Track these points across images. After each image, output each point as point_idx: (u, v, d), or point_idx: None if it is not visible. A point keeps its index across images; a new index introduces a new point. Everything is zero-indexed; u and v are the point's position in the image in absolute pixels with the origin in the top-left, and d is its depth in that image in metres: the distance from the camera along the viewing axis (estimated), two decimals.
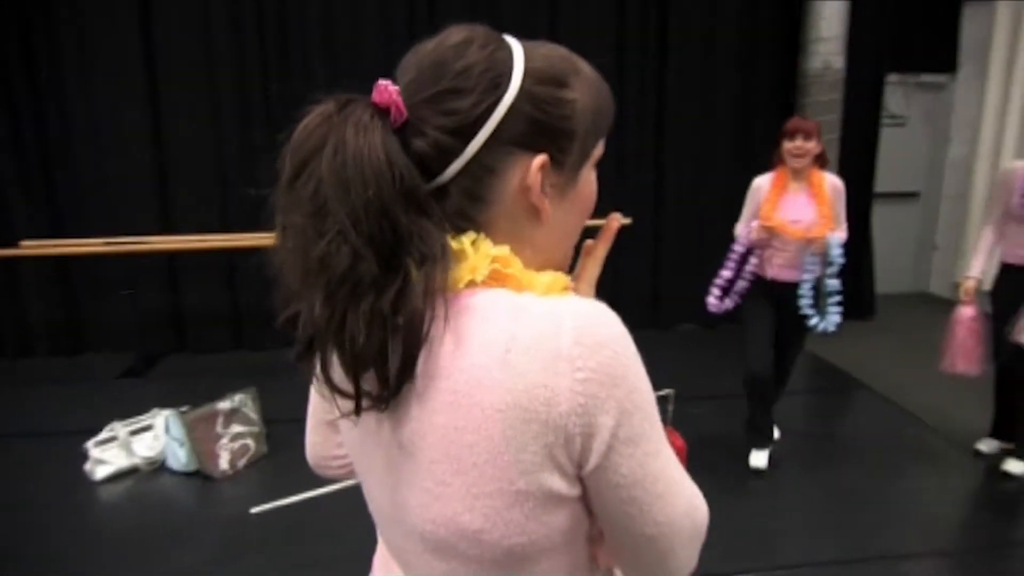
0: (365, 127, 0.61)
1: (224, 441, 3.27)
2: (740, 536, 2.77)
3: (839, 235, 3.00)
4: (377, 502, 0.76)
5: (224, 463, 3.25)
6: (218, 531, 2.85)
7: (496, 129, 0.64)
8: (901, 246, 6.46)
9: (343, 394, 0.65)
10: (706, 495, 0.74)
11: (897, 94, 6.18)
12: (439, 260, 0.62)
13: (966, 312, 3.28)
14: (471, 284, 0.65)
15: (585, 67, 0.71)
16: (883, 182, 5.87)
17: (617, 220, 0.80)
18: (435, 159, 0.64)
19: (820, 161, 3.04)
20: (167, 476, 3.27)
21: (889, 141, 6.04)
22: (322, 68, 4.79)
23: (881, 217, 5.94)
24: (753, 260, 3.16)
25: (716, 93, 5.32)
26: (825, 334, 3.10)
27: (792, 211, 3.01)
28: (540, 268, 0.70)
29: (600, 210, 0.79)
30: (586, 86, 0.69)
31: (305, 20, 4.74)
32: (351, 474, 0.93)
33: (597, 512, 0.68)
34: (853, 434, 3.63)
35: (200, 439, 3.20)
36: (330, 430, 0.90)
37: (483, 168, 0.65)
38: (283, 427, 3.66)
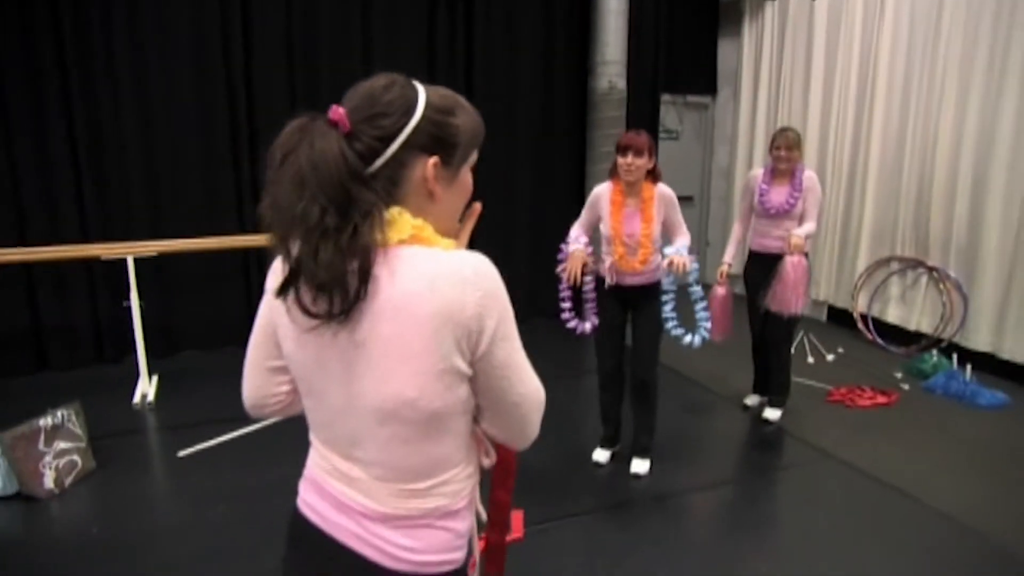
0: (326, 134, 0.93)
1: (48, 459, 3.12)
2: (537, 486, 3.20)
3: (682, 241, 3.13)
4: (331, 399, 1.02)
5: (49, 482, 3.11)
6: (53, 552, 2.75)
7: (407, 139, 0.97)
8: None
9: (309, 314, 0.94)
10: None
11: (671, 112, 7.12)
12: (375, 216, 0.93)
13: (719, 291, 3.89)
14: (400, 242, 0.96)
15: (465, 103, 1.05)
16: None
17: (478, 207, 1.16)
18: (368, 156, 0.95)
19: (652, 175, 3.12)
20: None
21: (666, 153, 6.95)
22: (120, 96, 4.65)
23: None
24: (591, 265, 3.23)
25: (519, 110, 5.90)
26: (703, 343, 3.26)
27: (628, 225, 3.13)
28: (438, 233, 1.03)
29: None
30: (465, 115, 1.04)
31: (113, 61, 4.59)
32: (284, 411, 1.17)
33: (480, 389, 1.02)
34: None
35: (21, 459, 3.04)
36: (269, 374, 1.14)
37: (398, 163, 0.97)
38: (108, 441, 3.56)
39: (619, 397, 3.45)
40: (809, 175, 3.72)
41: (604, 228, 3.21)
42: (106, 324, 4.82)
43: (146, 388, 4.24)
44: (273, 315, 1.06)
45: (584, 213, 3.28)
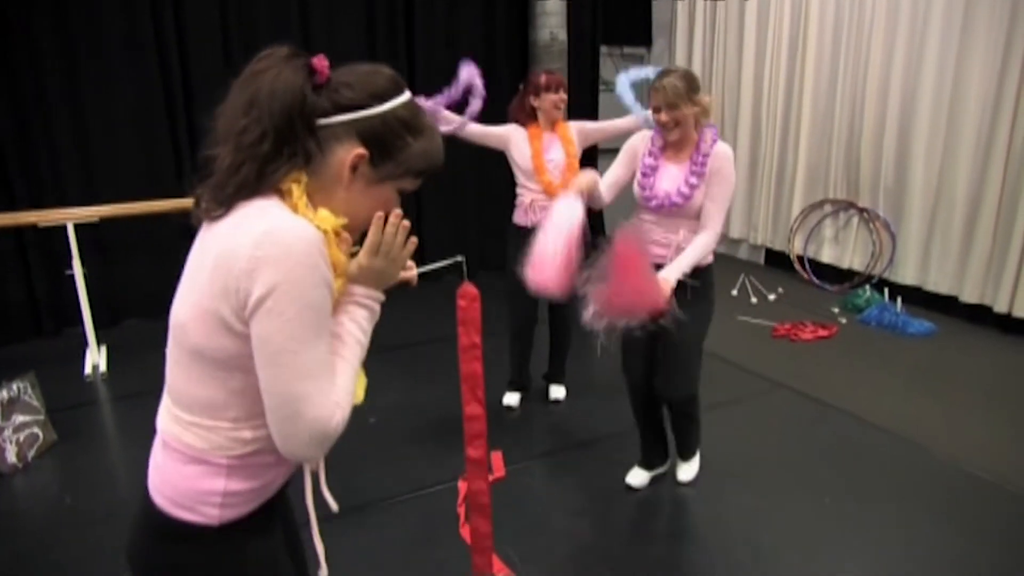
0: (298, 71, 0.97)
1: (8, 433, 3.01)
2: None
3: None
4: None
5: (12, 456, 3.00)
6: (27, 524, 2.69)
7: (354, 119, 1.00)
8: (622, 196, 7.54)
9: (198, 207, 1.03)
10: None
11: (608, 64, 7.17)
12: (297, 163, 0.97)
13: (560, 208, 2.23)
14: (276, 190, 0.98)
15: (438, 140, 1.07)
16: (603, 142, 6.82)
17: (383, 216, 1.06)
18: (318, 113, 0.99)
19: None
20: None
21: (604, 104, 7.03)
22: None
23: (604, 171, 6.90)
24: (518, 212, 3.38)
25: (460, 61, 5.80)
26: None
27: (549, 153, 3.31)
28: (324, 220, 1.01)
29: None
30: (424, 145, 1.05)
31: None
32: None
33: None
34: None
35: None
36: None
37: (333, 132, 1.00)
38: (65, 414, 3.44)
39: (526, 349, 3.57)
40: (720, 150, 2.45)
41: (523, 161, 3.32)
42: (41, 296, 4.59)
43: (96, 359, 4.09)
44: None
45: (491, 137, 3.41)
